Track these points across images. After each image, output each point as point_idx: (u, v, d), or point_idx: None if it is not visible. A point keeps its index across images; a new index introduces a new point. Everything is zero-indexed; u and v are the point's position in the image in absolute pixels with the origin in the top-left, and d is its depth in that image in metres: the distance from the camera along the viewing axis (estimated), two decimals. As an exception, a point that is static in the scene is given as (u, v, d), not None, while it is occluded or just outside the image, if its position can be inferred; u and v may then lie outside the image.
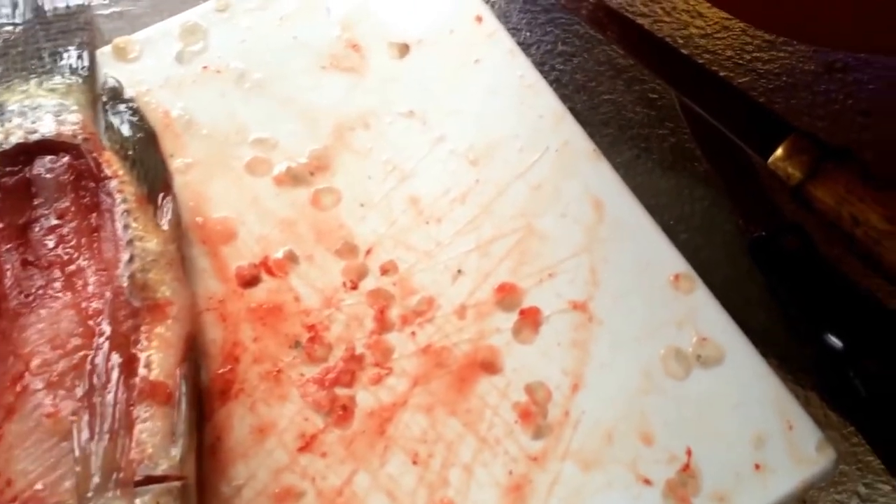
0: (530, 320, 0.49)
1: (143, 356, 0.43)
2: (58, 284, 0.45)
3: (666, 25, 0.63)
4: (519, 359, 0.48)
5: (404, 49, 0.59)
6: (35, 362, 0.43)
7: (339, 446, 0.46)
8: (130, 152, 0.52)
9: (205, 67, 0.58)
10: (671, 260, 0.51)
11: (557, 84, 0.60)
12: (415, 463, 0.45)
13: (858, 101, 0.59)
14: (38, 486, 0.39)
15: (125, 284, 0.45)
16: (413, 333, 0.49)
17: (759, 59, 0.61)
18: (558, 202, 0.53)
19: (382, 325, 0.49)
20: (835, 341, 0.47)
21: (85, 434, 0.40)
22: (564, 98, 0.57)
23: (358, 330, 0.49)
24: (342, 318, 0.49)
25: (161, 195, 0.50)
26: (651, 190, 0.55)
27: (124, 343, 0.43)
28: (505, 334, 0.49)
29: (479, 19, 0.60)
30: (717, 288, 0.50)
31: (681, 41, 0.62)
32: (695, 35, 0.63)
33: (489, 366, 0.48)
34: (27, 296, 0.45)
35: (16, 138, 0.50)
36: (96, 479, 0.39)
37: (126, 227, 0.47)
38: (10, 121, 0.51)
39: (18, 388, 0.42)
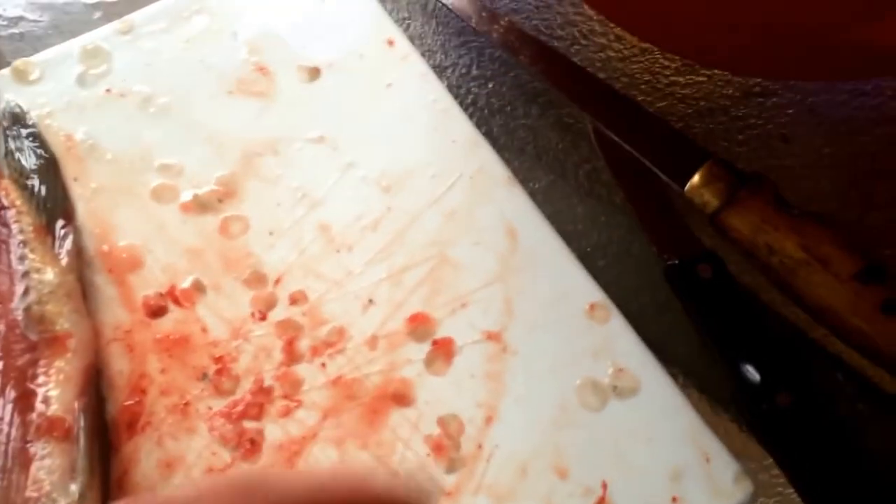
0: (443, 351, 0.48)
1: (40, 391, 0.42)
2: None
3: (583, 49, 0.63)
4: (432, 391, 0.47)
5: (314, 73, 0.58)
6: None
7: (245, 483, 0.44)
8: (30, 180, 0.50)
9: (108, 90, 0.56)
10: (586, 289, 0.50)
11: (474, 108, 0.59)
12: (324, 499, 0.44)
13: (777, 125, 0.58)
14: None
15: (20, 318, 0.43)
16: (323, 365, 0.48)
17: (677, 83, 0.61)
18: (472, 230, 0.52)
19: (291, 356, 0.48)
20: (752, 372, 0.47)
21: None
22: (480, 122, 0.57)
23: (266, 361, 0.48)
24: (250, 350, 0.48)
25: (61, 224, 0.48)
26: (567, 217, 0.55)
27: (20, 378, 0.42)
28: (417, 365, 0.48)
29: (390, 42, 0.59)
30: (635, 317, 0.49)
31: (598, 65, 0.62)
32: (613, 58, 0.62)
33: (401, 398, 0.47)
34: None
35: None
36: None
37: (22, 258, 0.46)
38: None
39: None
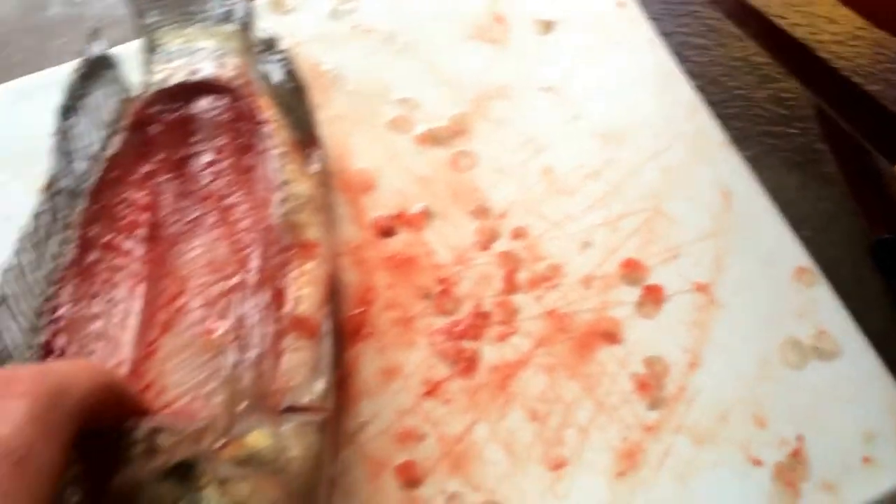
0: (653, 297, 0.50)
1: (291, 291, 0.45)
2: (212, 217, 0.48)
3: (800, 29, 0.64)
4: (640, 332, 0.49)
5: (548, 26, 0.61)
6: (191, 284, 0.45)
7: (462, 396, 0.47)
8: (284, 101, 0.53)
9: (355, 26, 0.60)
10: (795, 253, 0.52)
11: (691, 75, 0.61)
12: (533, 420, 0.47)
13: None
14: (190, 398, 0.41)
15: (277, 223, 0.47)
16: (539, 297, 0.50)
17: (892, 69, 0.62)
18: (688, 187, 0.54)
19: (510, 286, 0.51)
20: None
21: (236, 357, 0.42)
22: (696, 89, 0.58)
23: (487, 288, 0.51)
24: (472, 276, 0.51)
25: (310, 143, 0.52)
26: (776, 186, 0.56)
27: (274, 277, 0.45)
28: (627, 307, 0.50)
29: (621, 4, 0.61)
30: (837, 287, 0.50)
31: (814, 45, 0.63)
32: (828, 41, 0.63)
33: (610, 336, 0.49)
34: (184, 225, 0.48)
35: (178, 77, 0.53)
36: (245, 401, 0.40)
37: (279, 169, 0.49)
38: (172, 61, 0.54)
39: (175, 307, 0.44)
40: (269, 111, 0.51)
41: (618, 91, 0.58)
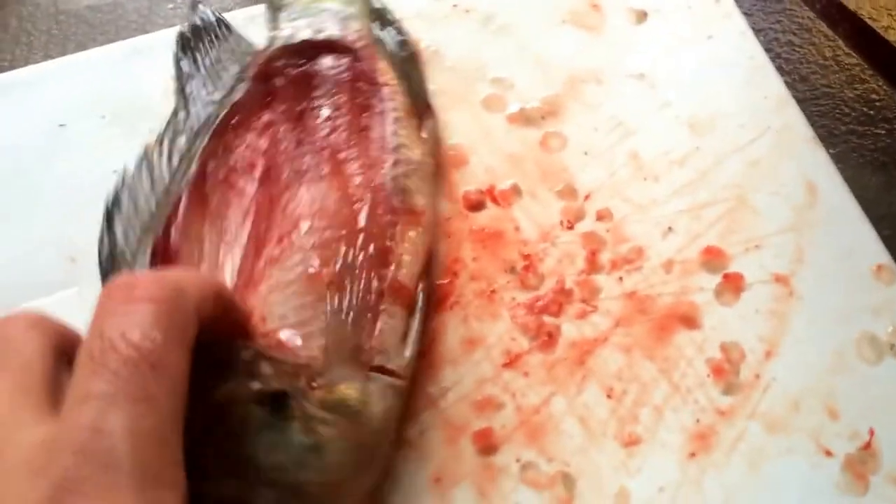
0: (733, 285, 0.51)
1: (395, 254, 0.47)
2: (326, 168, 0.49)
3: (893, 32, 0.64)
4: (718, 318, 0.50)
5: (642, 16, 0.62)
6: (301, 226, 0.47)
7: (540, 369, 0.49)
8: (399, 67, 0.55)
9: (455, 5, 0.61)
10: (876, 250, 0.52)
11: (780, 71, 0.61)
12: (609, 397, 0.48)
13: None
14: (290, 333, 0.43)
15: (388, 184, 0.48)
16: (620, 278, 0.52)
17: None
18: (773, 180, 0.55)
19: (593, 265, 0.52)
20: None
21: (338, 305, 0.44)
22: (787, 85, 0.59)
23: (570, 266, 0.52)
24: (556, 254, 0.52)
25: (424, 111, 0.54)
26: (859, 184, 0.56)
27: (380, 236, 0.47)
28: (707, 294, 0.51)
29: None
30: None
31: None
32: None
33: (689, 320, 0.50)
34: (298, 172, 0.49)
35: (303, 35, 0.55)
36: (342, 350, 0.42)
37: (394, 133, 0.51)
38: (297, 19, 0.56)
39: (283, 245, 0.46)
40: (387, 75, 0.53)
41: (708, 81, 0.59)
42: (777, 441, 0.47)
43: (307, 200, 0.48)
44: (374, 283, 0.45)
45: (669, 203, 0.54)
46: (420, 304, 0.47)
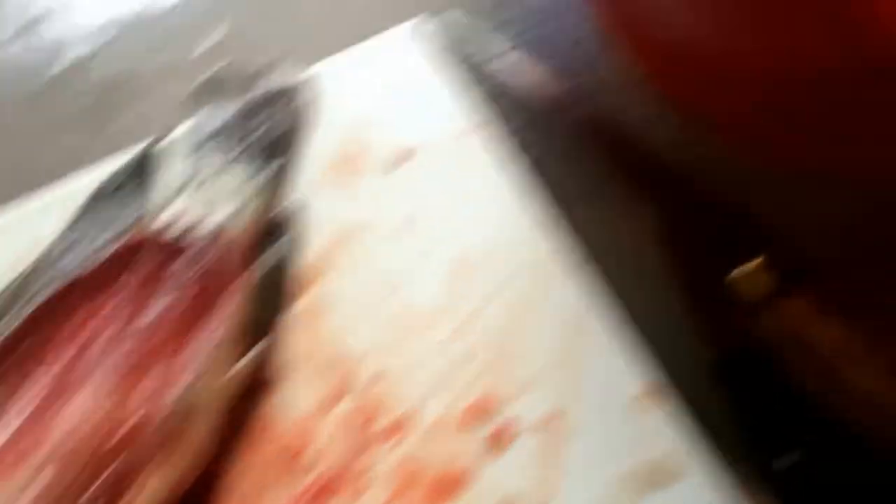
0: (504, 434, 0.51)
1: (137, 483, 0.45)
2: (120, 376, 0.48)
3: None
4: (491, 474, 0.50)
5: (403, 156, 0.62)
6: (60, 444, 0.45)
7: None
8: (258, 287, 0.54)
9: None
10: (640, 375, 0.52)
11: (555, 187, 0.60)
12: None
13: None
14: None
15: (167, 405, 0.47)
16: (391, 448, 0.52)
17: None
18: (533, 317, 0.55)
19: (365, 438, 0.52)
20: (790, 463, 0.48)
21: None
22: (559, 201, 0.59)
23: (341, 444, 0.52)
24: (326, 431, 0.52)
25: (261, 336, 0.53)
26: (629, 300, 0.56)
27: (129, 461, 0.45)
28: (477, 449, 0.51)
29: (472, 129, 0.63)
30: (684, 403, 0.51)
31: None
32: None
33: (461, 482, 0.50)
34: (92, 373, 0.48)
35: (184, 222, 0.54)
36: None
37: (207, 355, 0.50)
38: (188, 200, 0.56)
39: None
40: (234, 297, 0.52)
41: (468, 220, 0.59)
42: None
43: (78, 410, 0.46)
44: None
45: (436, 359, 0.54)
46: None
